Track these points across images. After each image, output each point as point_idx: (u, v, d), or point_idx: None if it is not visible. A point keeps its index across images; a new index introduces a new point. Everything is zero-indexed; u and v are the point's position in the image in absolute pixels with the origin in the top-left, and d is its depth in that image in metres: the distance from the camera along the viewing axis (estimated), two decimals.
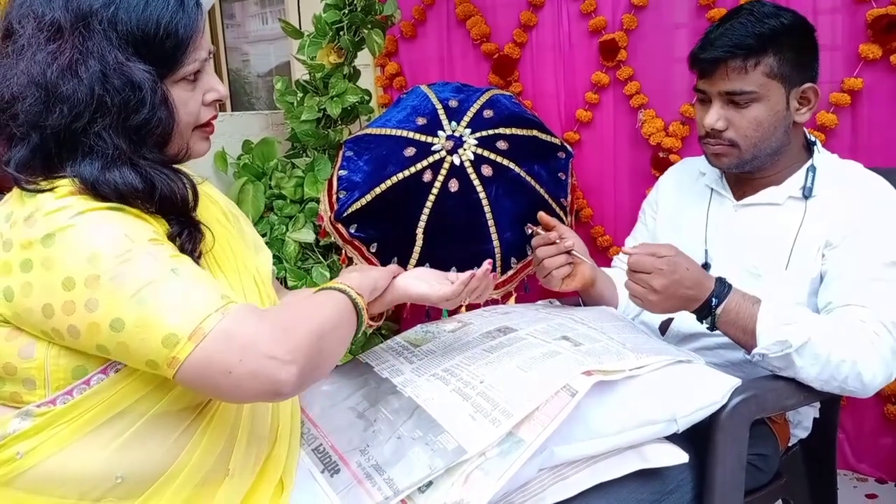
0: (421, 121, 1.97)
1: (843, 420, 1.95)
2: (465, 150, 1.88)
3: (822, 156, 1.30)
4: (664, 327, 1.36)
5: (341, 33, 2.12)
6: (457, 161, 1.87)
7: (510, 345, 1.11)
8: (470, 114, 1.96)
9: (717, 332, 1.17)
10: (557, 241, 1.26)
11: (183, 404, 0.86)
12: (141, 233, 0.81)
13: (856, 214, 1.20)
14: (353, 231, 1.91)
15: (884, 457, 1.97)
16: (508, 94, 2.12)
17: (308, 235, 2.09)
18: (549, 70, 2.27)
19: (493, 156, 1.88)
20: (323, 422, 1.10)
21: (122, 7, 0.82)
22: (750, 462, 1.16)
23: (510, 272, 1.89)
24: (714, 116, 1.24)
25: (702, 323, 1.16)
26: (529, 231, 1.31)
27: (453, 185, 1.86)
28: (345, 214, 1.90)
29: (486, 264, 1.11)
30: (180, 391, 0.85)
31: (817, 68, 1.26)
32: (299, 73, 2.47)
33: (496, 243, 1.85)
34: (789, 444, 1.34)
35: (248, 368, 0.76)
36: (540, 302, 1.47)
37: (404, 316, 2.12)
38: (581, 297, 1.42)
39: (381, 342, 1.30)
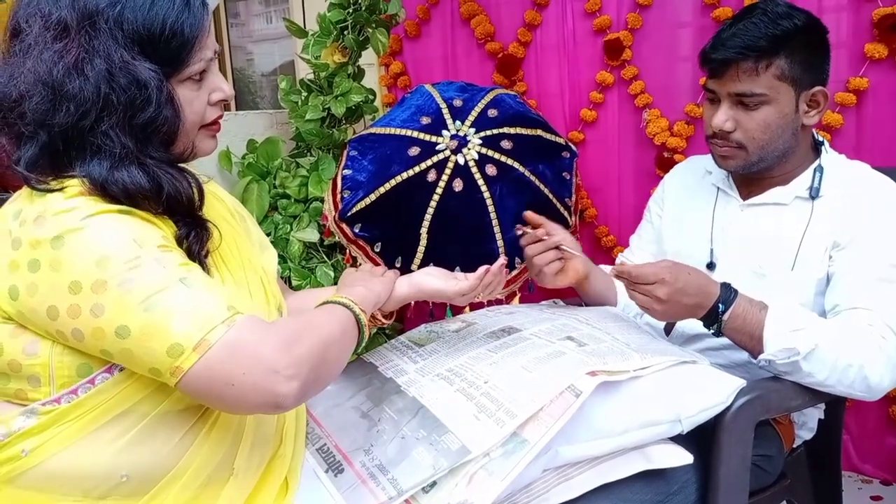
0: (425, 120, 1.97)
1: (847, 421, 1.95)
2: (469, 149, 1.88)
3: (829, 156, 1.30)
4: (669, 328, 1.35)
5: (346, 32, 2.12)
6: (461, 160, 1.87)
7: (514, 345, 1.11)
8: (474, 113, 1.95)
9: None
10: (545, 237, 1.26)
11: (185, 404, 0.86)
12: (150, 238, 0.81)
13: (863, 216, 1.19)
14: (357, 230, 1.91)
15: (889, 458, 1.96)
16: (513, 93, 2.12)
17: (312, 235, 2.09)
18: (554, 69, 2.27)
19: (497, 155, 1.88)
20: (327, 421, 1.10)
21: (129, 6, 0.82)
22: (754, 463, 1.16)
23: (514, 272, 1.89)
24: (722, 117, 1.23)
25: (708, 329, 1.16)
26: (519, 231, 1.31)
27: (457, 185, 1.86)
28: (349, 214, 1.90)
29: (501, 259, 1.13)
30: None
31: (828, 70, 1.25)
32: (303, 72, 2.47)
33: (500, 243, 1.85)
34: (794, 446, 1.34)
35: (250, 381, 0.77)
36: (544, 302, 1.47)
37: (408, 315, 2.12)
38: (579, 294, 1.42)
39: (386, 342, 1.30)
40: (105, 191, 0.81)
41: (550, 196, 1.90)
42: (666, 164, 2.04)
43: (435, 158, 1.88)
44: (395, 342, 1.26)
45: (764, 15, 1.19)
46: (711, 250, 1.35)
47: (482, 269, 1.11)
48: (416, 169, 1.88)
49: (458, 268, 1.85)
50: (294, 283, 2.04)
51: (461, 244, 1.86)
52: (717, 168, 1.36)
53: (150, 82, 0.82)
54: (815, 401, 1.20)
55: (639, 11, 2.09)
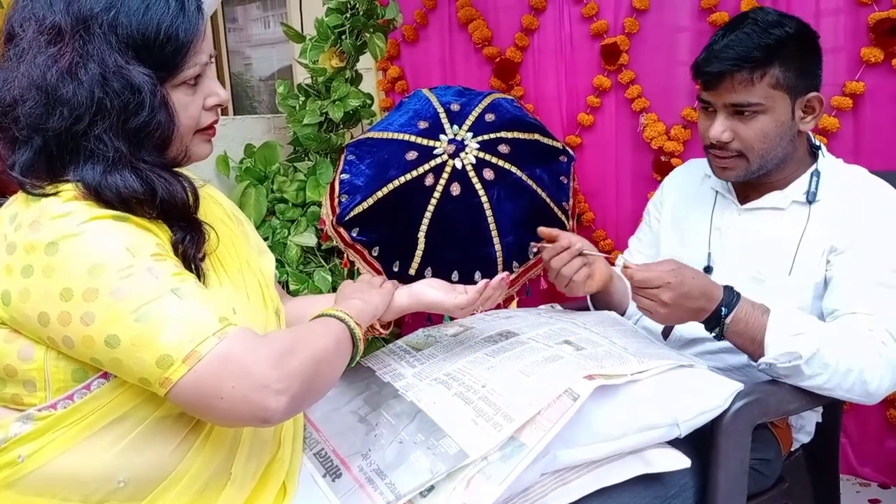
0: (423, 124, 1.97)
1: (846, 424, 1.95)
2: (466, 153, 1.88)
3: (826, 160, 1.30)
4: (666, 332, 1.35)
5: (343, 37, 2.12)
6: (458, 165, 1.87)
7: (512, 349, 1.11)
8: (472, 117, 1.96)
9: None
10: (568, 247, 1.25)
11: (181, 409, 0.86)
12: (144, 247, 0.81)
13: (861, 220, 1.19)
14: (354, 235, 1.91)
15: (887, 462, 1.96)
16: (510, 97, 2.12)
17: (310, 239, 2.09)
18: (551, 74, 2.27)
19: (494, 159, 1.88)
20: (325, 426, 1.10)
21: (123, 11, 0.82)
22: (752, 467, 1.16)
23: (512, 276, 1.89)
24: (720, 128, 1.23)
25: (710, 332, 1.15)
26: (535, 249, 1.29)
27: (455, 189, 1.86)
28: (347, 218, 1.90)
29: (502, 275, 1.12)
30: None
31: (821, 75, 1.25)
32: (301, 76, 2.47)
33: (498, 247, 1.85)
34: (792, 449, 1.34)
35: (240, 394, 0.77)
36: (542, 306, 1.47)
37: (406, 320, 2.12)
38: (605, 298, 1.40)
39: (383, 346, 1.30)
40: (99, 195, 0.81)
41: (548, 200, 1.90)
42: (663, 168, 2.04)
43: (432, 163, 1.88)
44: (393, 346, 1.26)
45: (755, 24, 1.19)
46: (709, 254, 1.35)
47: (482, 282, 1.10)
48: (414, 173, 1.88)
49: (455, 272, 1.85)
50: (292, 287, 2.04)
51: (459, 248, 1.86)
52: None
53: (143, 87, 0.82)
54: (813, 404, 1.20)
55: (636, 16, 2.09)
